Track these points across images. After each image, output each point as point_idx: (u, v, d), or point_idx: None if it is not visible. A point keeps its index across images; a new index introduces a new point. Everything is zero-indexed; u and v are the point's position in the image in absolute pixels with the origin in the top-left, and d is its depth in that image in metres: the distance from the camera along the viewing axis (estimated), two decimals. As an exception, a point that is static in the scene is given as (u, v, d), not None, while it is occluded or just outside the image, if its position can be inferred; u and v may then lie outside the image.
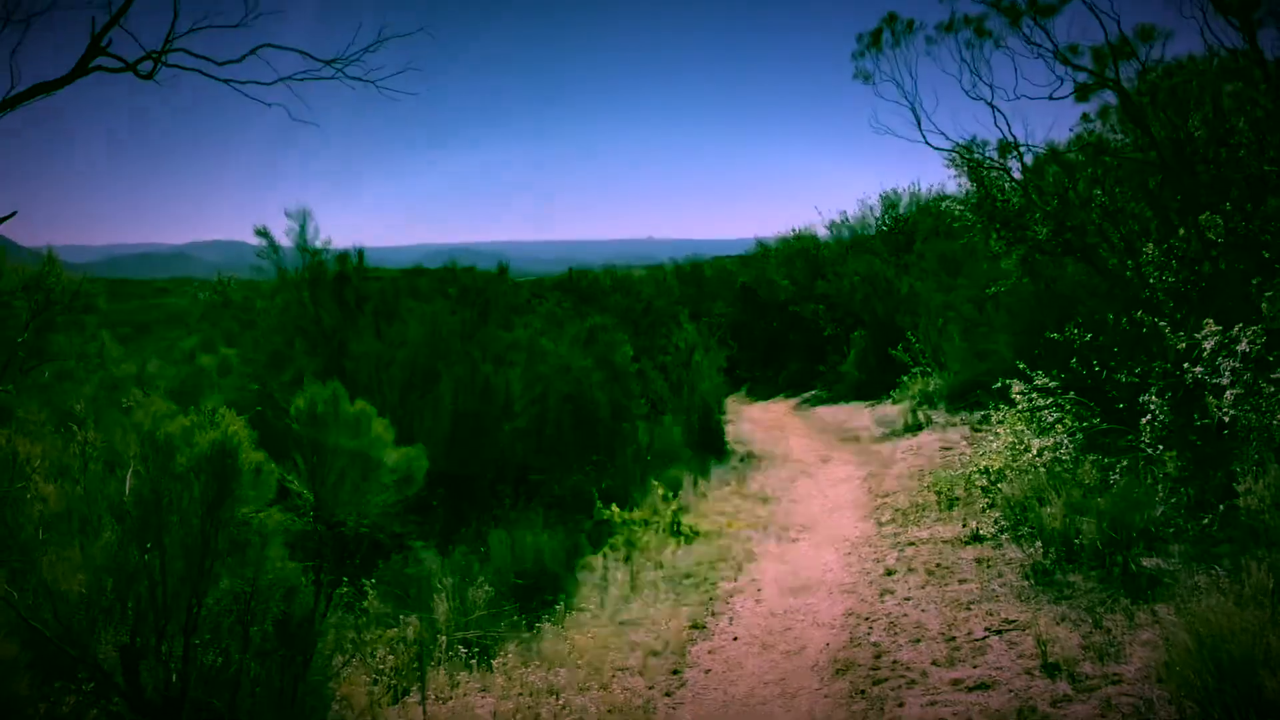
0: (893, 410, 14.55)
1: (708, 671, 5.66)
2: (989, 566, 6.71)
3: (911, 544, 7.82)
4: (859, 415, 15.06)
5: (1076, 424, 7.58)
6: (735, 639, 6.18)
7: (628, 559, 8.13)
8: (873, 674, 5.28)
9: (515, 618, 6.59)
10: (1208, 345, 7.00)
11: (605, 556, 8.21)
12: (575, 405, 10.65)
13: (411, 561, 7.02)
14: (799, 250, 21.32)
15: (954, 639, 5.52)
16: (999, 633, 5.45)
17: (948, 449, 11.49)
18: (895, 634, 5.82)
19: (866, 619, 6.22)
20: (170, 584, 4.30)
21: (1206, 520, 6.06)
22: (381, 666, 5.78)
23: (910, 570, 7.08)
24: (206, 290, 16.97)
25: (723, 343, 21.42)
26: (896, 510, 9.05)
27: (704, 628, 6.42)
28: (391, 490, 5.35)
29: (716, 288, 26.06)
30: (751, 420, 16.55)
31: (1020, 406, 8.65)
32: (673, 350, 13.33)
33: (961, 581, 6.57)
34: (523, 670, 5.77)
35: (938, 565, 7.06)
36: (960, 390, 13.57)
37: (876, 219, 20.35)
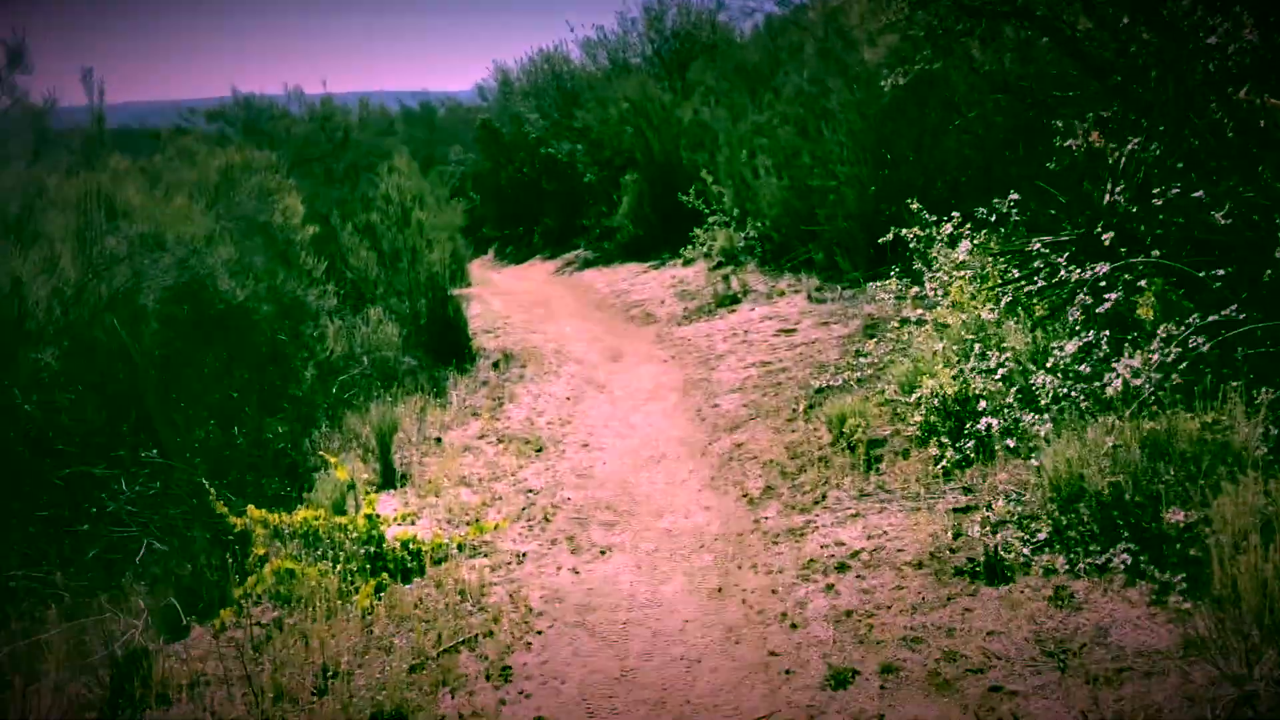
0: (690, 274, 10.38)
1: None
2: (1107, 683, 2.65)
3: (842, 567, 3.68)
4: (645, 282, 10.78)
5: (1180, 309, 3.54)
6: None
7: (263, 645, 3.49)
8: None
9: None
10: None
11: (216, 644, 3.51)
12: (194, 305, 5.60)
13: None
14: (549, 77, 16.33)
15: None
16: None
17: (788, 332, 7.47)
18: None
19: None
20: None
21: None
22: None
23: (890, 671, 2.94)
24: None
25: (460, 193, 16.44)
26: (769, 465, 4.89)
27: None
28: None
29: (453, 130, 20.69)
30: (505, 293, 11.90)
31: (991, 265, 4.62)
32: (382, 203, 8.32)
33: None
34: None
35: (949, 654, 2.96)
36: (781, 245, 9.55)
37: (640, 35, 15.66)
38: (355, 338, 6.86)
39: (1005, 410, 4.14)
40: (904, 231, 5.88)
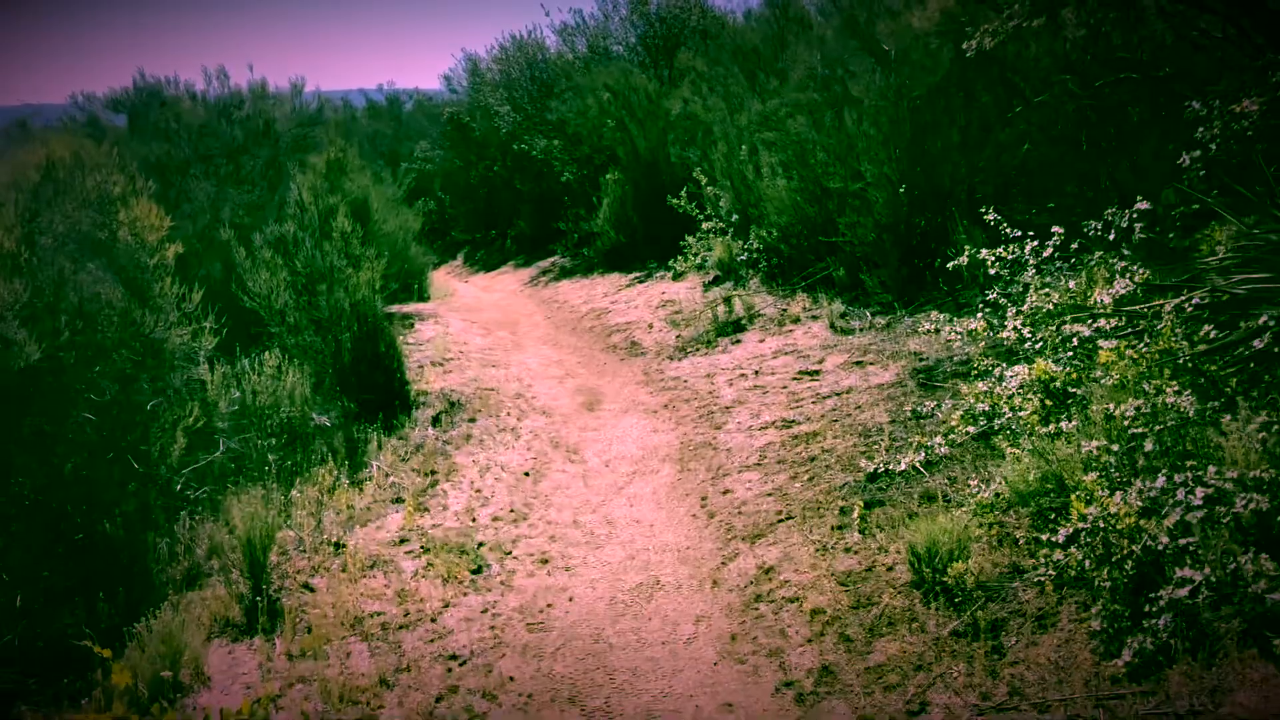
0: (681, 291, 8.57)
1: None
2: None
3: None
4: (629, 299, 8.95)
5: None
6: None
7: None
8: None
9: None
10: None
11: None
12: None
13: None
14: (523, 67, 14.46)
15: None
16: None
17: (812, 374, 5.71)
18: None
19: None
20: None
21: None
22: None
23: None
24: None
25: (428, 193, 14.64)
26: (819, 620, 3.11)
27: None
28: None
29: (421, 126, 18.82)
30: (468, 309, 10.07)
31: (1171, 321, 2.88)
32: (296, 211, 6.49)
33: None
34: None
35: None
36: (791, 259, 7.77)
37: (623, 19, 13.82)
38: (245, 390, 5.04)
39: (1222, 560, 2.41)
40: (982, 253, 4.19)
